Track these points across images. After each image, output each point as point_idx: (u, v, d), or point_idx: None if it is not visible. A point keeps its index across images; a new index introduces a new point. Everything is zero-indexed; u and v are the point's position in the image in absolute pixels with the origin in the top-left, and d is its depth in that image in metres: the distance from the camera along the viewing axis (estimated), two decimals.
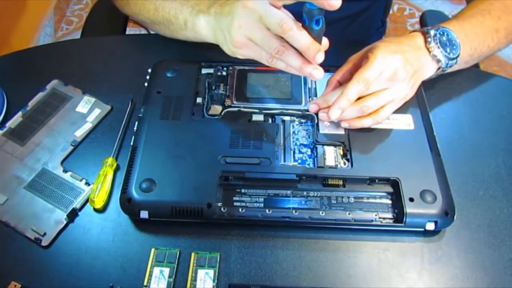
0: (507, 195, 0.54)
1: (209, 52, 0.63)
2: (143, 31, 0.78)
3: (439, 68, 0.58)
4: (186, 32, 0.61)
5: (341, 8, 0.44)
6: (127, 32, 0.88)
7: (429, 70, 0.58)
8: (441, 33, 0.57)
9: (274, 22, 0.47)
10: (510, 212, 0.53)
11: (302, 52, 0.48)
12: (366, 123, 0.55)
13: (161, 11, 0.62)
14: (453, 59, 0.58)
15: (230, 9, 0.51)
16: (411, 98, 0.58)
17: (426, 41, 0.57)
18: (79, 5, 1.85)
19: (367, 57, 0.54)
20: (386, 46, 0.54)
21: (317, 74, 0.49)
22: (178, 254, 0.49)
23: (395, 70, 0.53)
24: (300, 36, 0.47)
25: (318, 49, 0.48)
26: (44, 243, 0.50)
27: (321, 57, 0.48)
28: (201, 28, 0.58)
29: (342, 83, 0.57)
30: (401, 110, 0.57)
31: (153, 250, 0.49)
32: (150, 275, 0.48)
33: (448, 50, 0.57)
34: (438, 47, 0.57)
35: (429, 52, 0.57)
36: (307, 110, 0.58)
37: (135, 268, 0.49)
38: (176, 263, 0.49)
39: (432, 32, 0.57)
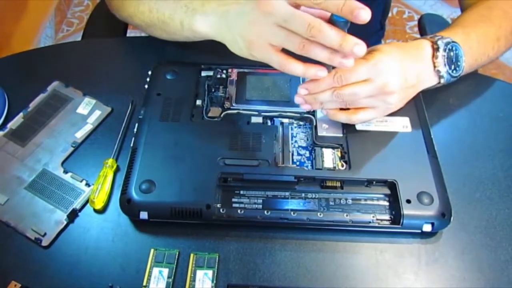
0: (503, 197, 0.55)
1: (209, 55, 0.63)
2: (144, 34, 0.79)
3: (438, 83, 0.57)
4: (184, 32, 0.60)
5: None
6: (127, 34, 0.89)
7: (428, 84, 0.57)
8: (451, 48, 0.55)
9: (301, 26, 0.44)
10: (506, 214, 0.54)
11: (337, 48, 0.45)
12: (340, 117, 0.54)
13: (156, 13, 0.61)
14: (455, 77, 0.57)
15: (240, 10, 0.50)
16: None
17: (434, 55, 0.55)
18: (80, 6, 1.86)
19: (365, 57, 0.51)
20: (389, 52, 0.52)
21: (348, 62, 0.47)
22: (177, 255, 0.50)
23: (386, 81, 0.51)
24: (332, 34, 0.44)
25: (355, 42, 0.45)
26: (44, 243, 0.51)
27: (361, 49, 0.45)
28: (199, 26, 0.57)
29: None
30: (398, 112, 0.58)
31: (152, 250, 0.50)
32: (149, 276, 0.48)
33: (453, 67, 0.56)
34: (445, 64, 0.55)
35: (434, 66, 0.55)
36: (306, 113, 0.58)
37: (134, 268, 0.49)
38: (175, 263, 0.49)
39: (442, 46, 0.55)
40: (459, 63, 0.57)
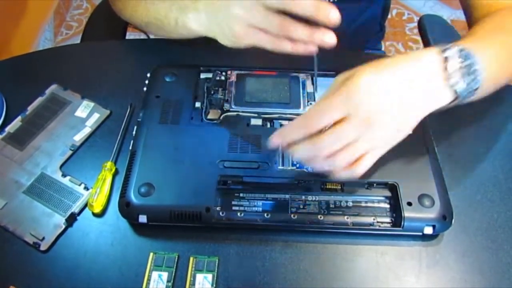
0: (504, 199, 0.55)
1: (208, 57, 0.63)
2: (143, 36, 0.79)
3: (452, 102, 0.46)
4: (178, 30, 0.60)
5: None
6: (126, 37, 0.89)
7: (436, 104, 0.45)
8: (464, 56, 0.44)
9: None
10: (507, 216, 0.53)
11: (312, 17, 0.45)
12: (342, 175, 0.46)
13: (152, 12, 0.62)
14: (472, 91, 0.46)
15: (222, 2, 0.51)
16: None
17: (445, 68, 0.44)
18: (79, 9, 1.86)
19: (345, 85, 0.43)
20: (366, 74, 0.43)
21: (330, 38, 0.45)
22: (176, 258, 0.49)
23: (367, 110, 0.42)
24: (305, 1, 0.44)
25: (329, 6, 0.43)
26: (43, 247, 0.50)
27: (335, 13, 0.44)
28: (191, 25, 0.58)
29: None
30: None
31: (151, 254, 0.49)
32: (149, 280, 0.48)
33: (471, 78, 0.45)
34: (461, 75, 0.44)
35: (447, 79, 0.44)
36: None
37: (133, 272, 0.49)
38: (175, 267, 0.49)
39: (453, 52, 0.44)
40: (477, 74, 0.45)
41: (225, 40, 0.53)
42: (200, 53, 0.63)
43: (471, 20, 0.61)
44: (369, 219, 0.51)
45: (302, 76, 0.62)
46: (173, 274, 0.48)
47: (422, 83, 0.44)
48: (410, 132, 0.46)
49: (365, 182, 0.52)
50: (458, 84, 0.44)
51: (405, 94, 0.44)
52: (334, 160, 0.44)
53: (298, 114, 0.58)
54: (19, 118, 0.61)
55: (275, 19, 0.47)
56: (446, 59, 0.44)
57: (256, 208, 0.51)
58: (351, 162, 0.45)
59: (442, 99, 0.45)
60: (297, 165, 0.54)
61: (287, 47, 0.49)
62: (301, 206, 0.52)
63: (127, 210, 0.50)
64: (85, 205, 0.53)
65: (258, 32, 0.49)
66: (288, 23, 0.47)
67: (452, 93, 0.45)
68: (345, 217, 0.51)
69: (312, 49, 0.48)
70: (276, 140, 0.46)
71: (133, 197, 0.50)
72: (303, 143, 0.44)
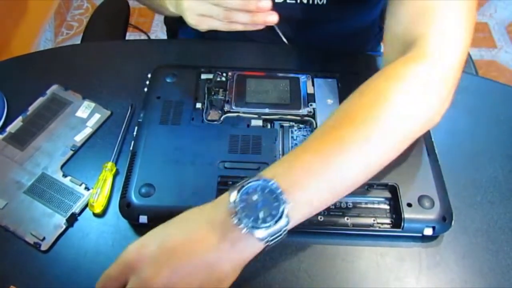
0: (504, 200, 0.55)
1: (209, 58, 0.63)
2: (143, 36, 0.79)
3: (263, 244, 0.39)
4: (163, 10, 0.63)
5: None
6: (127, 37, 0.89)
7: (246, 253, 0.39)
8: (247, 191, 0.38)
9: None
10: (507, 218, 0.53)
11: (244, 8, 0.48)
12: None
13: None
14: (280, 231, 0.38)
15: None
16: None
17: (229, 217, 0.38)
18: (80, 10, 1.86)
19: None
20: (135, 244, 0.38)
21: (272, 17, 0.48)
22: None
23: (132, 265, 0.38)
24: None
25: None
26: (43, 247, 0.50)
27: (265, 3, 0.48)
28: (169, 7, 0.59)
29: None
30: None
31: None
32: None
33: (263, 214, 0.37)
34: (246, 216, 0.37)
35: (233, 228, 0.37)
36: (306, 116, 0.58)
37: None
38: None
39: (233, 197, 0.38)
40: (276, 202, 0.38)
41: (190, 24, 0.56)
42: (201, 54, 0.63)
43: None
44: (369, 220, 0.51)
45: (302, 77, 0.62)
46: None
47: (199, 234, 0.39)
48: None
49: (365, 183, 0.52)
50: (260, 231, 0.37)
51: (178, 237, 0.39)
52: None
53: (298, 115, 0.58)
54: (20, 118, 0.61)
55: (217, 10, 0.50)
56: (228, 208, 0.38)
57: None
58: None
59: (244, 255, 0.39)
60: None
61: (238, 27, 0.51)
62: None
63: (128, 210, 0.50)
64: (86, 206, 0.53)
65: (208, 19, 0.52)
66: (229, 12, 0.49)
67: (257, 241, 0.38)
68: (345, 218, 0.51)
69: (260, 26, 0.51)
70: None
71: (134, 198, 0.50)
72: None
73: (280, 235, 0.39)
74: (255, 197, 0.38)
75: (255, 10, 0.48)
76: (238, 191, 0.38)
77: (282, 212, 0.38)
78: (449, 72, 0.46)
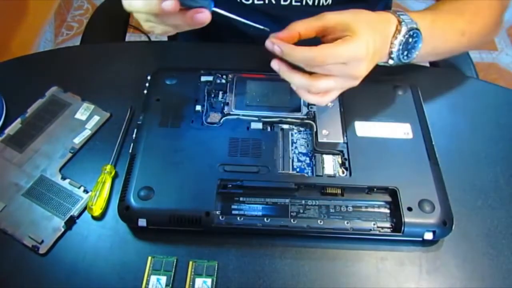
0: (505, 204, 0.54)
1: (209, 60, 0.63)
2: (143, 38, 0.79)
3: (386, 62, 0.56)
4: None
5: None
6: (127, 39, 0.89)
7: (379, 59, 0.55)
8: (411, 34, 0.54)
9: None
10: (508, 222, 0.53)
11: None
12: (296, 80, 0.51)
13: None
14: (402, 62, 0.56)
15: None
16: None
17: (394, 36, 0.54)
18: (80, 10, 1.86)
19: (345, 37, 0.49)
20: (365, 36, 0.49)
21: (199, 17, 0.47)
22: (175, 262, 0.49)
23: (359, 68, 0.50)
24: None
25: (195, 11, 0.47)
26: (42, 250, 0.50)
27: (201, 17, 0.47)
28: None
29: (302, 37, 0.52)
30: (399, 119, 0.57)
31: (149, 258, 0.49)
32: (147, 284, 0.48)
33: (405, 53, 0.55)
34: (399, 49, 0.54)
35: (390, 47, 0.54)
36: (306, 118, 0.58)
37: (132, 276, 0.49)
38: (173, 271, 0.49)
39: (404, 30, 0.53)
40: (413, 51, 0.56)
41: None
42: (201, 56, 0.63)
43: None
44: (369, 224, 0.51)
45: None
46: (172, 278, 0.48)
47: (382, 43, 0.53)
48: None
49: (366, 187, 0.52)
50: (394, 54, 0.54)
51: (376, 51, 0.51)
52: (315, 86, 0.50)
53: (298, 118, 0.58)
54: (19, 120, 0.61)
55: (154, 17, 0.49)
56: (398, 31, 0.53)
57: (256, 213, 0.51)
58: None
59: (383, 58, 0.55)
60: (297, 170, 0.54)
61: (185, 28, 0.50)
62: (301, 211, 0.51)
63: (127, 213, 0.50)
64: (85, 208, 0.53)
65: (152, 24, 0.50)
66: (161, 18, 0.48)
67: (388, 57, 0.55)
68: (345, 222, 0.51)
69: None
70: (276, 45, 0.50)
71: (133, 201, 0.50)
72: (302, 75, 0.50)
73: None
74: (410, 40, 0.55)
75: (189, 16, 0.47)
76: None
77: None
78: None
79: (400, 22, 0.54)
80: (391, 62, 0.56)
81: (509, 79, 1.63)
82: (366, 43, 0.49)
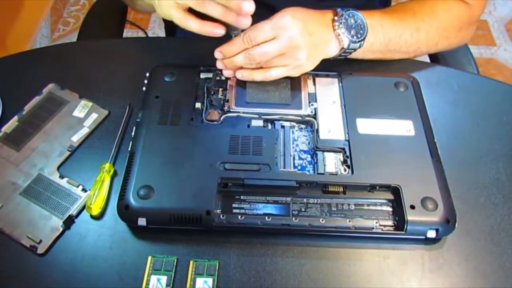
0: (508, 202, 0.54)
1: (208, 57, 0.62)
2: (141, 33, 0.78)
3: (342, 48, 0.59)
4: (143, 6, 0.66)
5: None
6: (124, 34, 0.88)
7: (332, 48, 0.59)
8: (349, 15, 0.58)
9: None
10: (511, 219, 0.53)
11: (225, 4, 0.51)
12: (255, 76, 0.58)
13: None
14: (356, 42, 0.58)
15: None
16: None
17: (333, 19, 0.58)
18: (76, 6, 1.84)
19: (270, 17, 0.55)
20: (292, 11, 0.55)
21: (244, 20, 0.52)
22: (175, 262, 0.49)
23: (291, 35, 0.54)
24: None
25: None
26: (40, 250, 0.49)
27: (248, 5, 0.51)
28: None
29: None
30: (401, 116, 0.57)
31: (150, 258, 0.49)
32: (147, 284, 0.47)
33: (352, 32, 0.58)
34: (343, 27, 0.58)
35: (334, 29, 0.58)
36: (307, 116, 0.58)
37: (132, 276, 0.48)
38: (174, 271, 0.48)
39: (341, 13, 0.58)
40: (361, 31, 0.59)
41: (157, 9, 0.57)
42: (200, 53, 0.62)
43: None
44: (372, 223, 0.50)
45: (303, 76, 0.61)
46: (172, 278, 0.48)
47: (321, 28, 0.58)
48: (311, 68, 0.59)
49: (368, 185, 0.51)
50: (342, 34, 0.58)
51: (313, 31, 0.56)
52: (251, 53, 0.55)
53: (299, 115, 0.58)
54: (16, 118, 0.60)
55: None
56: (335, 15, 0.58)
57: (257, 211, 0.51)
58: (264, 60, 0.56)
59: (333, 45, 0.59)
60: (299, 168, 0.53)
61: (194, 26, 0.54)
62: (303, 209, 0.51)
63: (126, 213, 0.49)
64: (83, 208, 0.53)
65: (175, 7, 0.53)
66: (202, 3, 0.52)
67: (339, 41, 0.59)
68: (347, 220, 0.50)
69: (219, 31, 0.54)
70: (218, 54, 0.57)
71: (132, 200, 0.49)
72: (241, 54, 0.56)
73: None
74: (351, 21, 0.59)
75: (235, 5, 0.51)
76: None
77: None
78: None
79: (337, 10, 0.59)
80: (343, 44, 0.58)
81: (507, 74, 1.63)
82: (291, 17, 0.54)
